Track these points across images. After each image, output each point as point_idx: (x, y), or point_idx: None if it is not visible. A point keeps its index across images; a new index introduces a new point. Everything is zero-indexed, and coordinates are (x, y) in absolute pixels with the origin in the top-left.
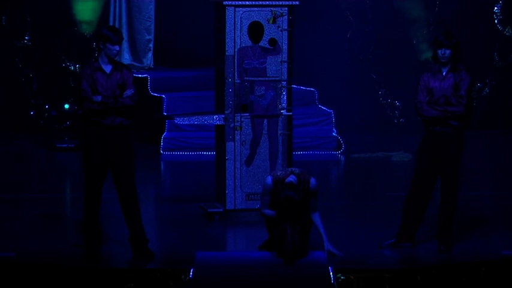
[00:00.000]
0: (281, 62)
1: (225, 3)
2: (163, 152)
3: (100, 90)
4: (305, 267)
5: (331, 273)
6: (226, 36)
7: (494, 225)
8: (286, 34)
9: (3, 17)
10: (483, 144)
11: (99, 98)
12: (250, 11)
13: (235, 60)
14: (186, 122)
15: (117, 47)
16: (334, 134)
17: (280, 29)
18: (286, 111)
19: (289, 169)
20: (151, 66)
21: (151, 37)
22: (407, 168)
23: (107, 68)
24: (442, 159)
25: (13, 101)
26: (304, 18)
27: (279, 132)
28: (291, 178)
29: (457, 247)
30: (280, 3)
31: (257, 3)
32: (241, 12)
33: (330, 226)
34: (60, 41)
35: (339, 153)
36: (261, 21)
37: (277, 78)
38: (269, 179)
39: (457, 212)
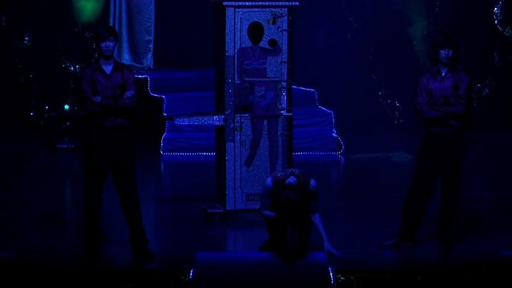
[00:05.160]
0: (281, 62)
1: (225, 3)
2: (163, 152)
3: (100, 90)
4: (305, 267)
5: (331, 274)
6: (226, 37)
7: (494, 226)
8: (286, 35)
9: (3, 18)
10: (483, 144)
11: (98, 99)
12: (250, 11)
13: (235, 60)
14: (186, 123)
15: (107, 43)
16: (334, 134)
17: (280, 29)
18: (286, 112)
19: (289, 170)
20: (151, 66)
21: (151, 38)
22: (408, 168)
23: (107, 69)
24: (443, 160)
25: (13, 101)
26: (304, 18)
27: (279, 132)
28: (291, 179)
29: (457, 247)
30: (280, 3)
31: (257, 3)
32: (241, 12)
33: (330, 226)
34: (60, 41)
35: (339, 154)
36: (261, 21)
37: (277, 79)
38: (269, 180)
39: (457, 212)
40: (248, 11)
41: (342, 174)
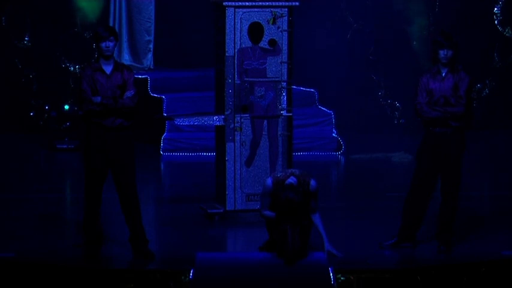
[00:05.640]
0: (281, 62)
1: (225, 4)
2: (163, 152)
3: (100, 90)
4: (305, 268)
5: (331, 274)
6: (226, 37)
7: (494, 226)
8: (286, 35)
9: (3, 18)
10: (483, 144)
11: (98, 99)
12: (250, 11)
13: (235, 60)
14: (186, 123)
15: (107, 43)
16: (334, 134)
17: (280, 29)
18: (286, 112)
19: (289, 170)
20: (151, 67)
21: (151, 38)
22: (408, 168)
23: (108, 69)
24: (443, 160)
25: (13, 101)
26: (304, 18)
27: (279, 133)
28: (291, 180)
29: (457, 247)
30: (280, 4)
31: (257, 4)
32: (241, 13)
33: (330, 226)
34: (60, 41)
35: (339, 154)
36: (261, 22)
37: (277, 79)
38: (269, 181)
39: (457, 212)
40: (248, 11)
41: (342, 175)
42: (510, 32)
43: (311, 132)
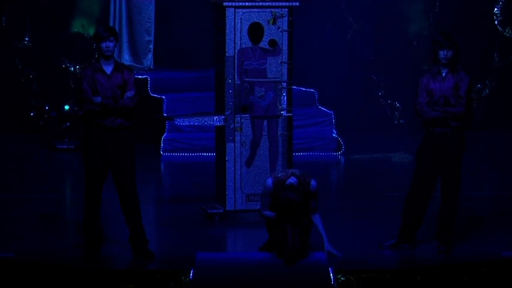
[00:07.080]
0: (281, 62)
1: (225, 4)
2: (163, 153)
3: (100, 90)
4: (305, 268)
5: (331, 274)
6: (226, 37)
7: (494, 226)
8: (286, 35)
9: (3, 18)
10: (483, 144)
11: (98, 99)
12: (250, 12)
13: (235, 61)
14: (186, 123)
15: (107, 43)
16: (334, 135)
17: (280, 30)
18: (286, 112)
19: (290, 171)
20: (151, 67)
21: (151, 38)
22: (408, 168)
23: (108, 69)
24: (443, 160)
25: (13, 101)
26: (304, 18)
27: (279, 133)
28: (292, 180)
29: (457, 247)
30: (280, 4)
31: (257, 4)
32: (241, 13)
33: (330, 226)
34: (60, 41)
35: (339, 154)
36: (261, 22)
37: (277, 79)
38: (269, 181)
39: (457, 212)
40: (248, 12)
41: (342, 175)
42: (510, 32)
43: (311, 132)
